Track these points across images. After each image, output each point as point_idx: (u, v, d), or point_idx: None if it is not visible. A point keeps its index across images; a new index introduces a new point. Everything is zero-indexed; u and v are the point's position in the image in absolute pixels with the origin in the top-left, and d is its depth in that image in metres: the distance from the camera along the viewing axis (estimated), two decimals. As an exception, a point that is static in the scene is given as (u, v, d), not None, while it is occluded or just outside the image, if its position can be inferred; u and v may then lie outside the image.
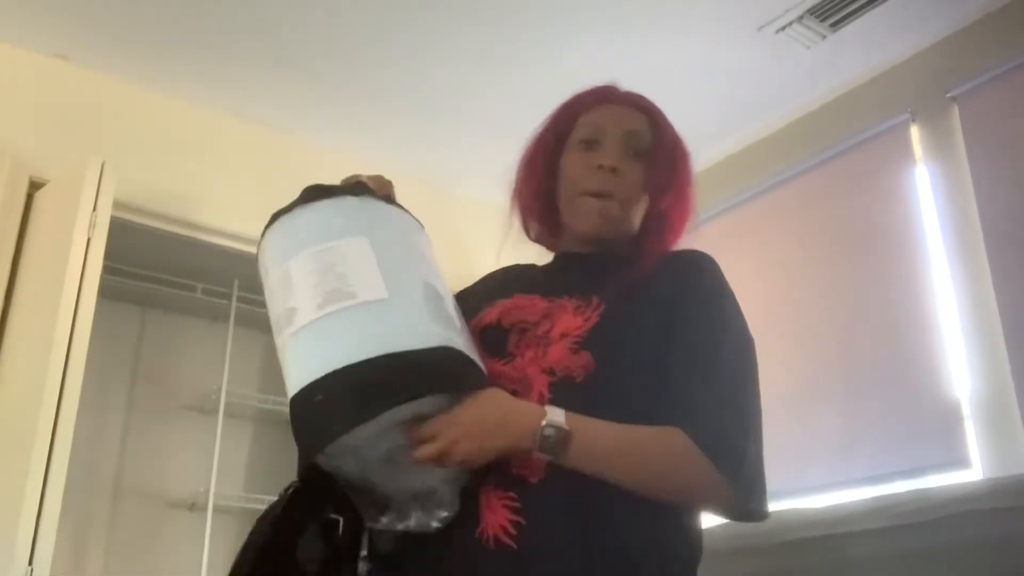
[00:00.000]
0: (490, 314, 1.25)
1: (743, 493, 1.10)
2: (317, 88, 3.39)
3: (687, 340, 1.16)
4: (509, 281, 1.35)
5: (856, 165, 3.26)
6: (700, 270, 1.24)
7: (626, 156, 1.27)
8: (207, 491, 3.54)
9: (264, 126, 3.58)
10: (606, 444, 1.09)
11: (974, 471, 2.68)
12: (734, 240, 3.56)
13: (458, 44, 3.12)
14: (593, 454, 1.08)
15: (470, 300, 1.28)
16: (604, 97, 1.35)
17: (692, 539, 1.17)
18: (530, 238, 1.41)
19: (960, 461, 2.73)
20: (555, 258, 1.39)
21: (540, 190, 1.35)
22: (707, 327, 1.18)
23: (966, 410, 2.77)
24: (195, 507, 3.65)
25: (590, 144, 1.29)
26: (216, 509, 3.56)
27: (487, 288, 1.36)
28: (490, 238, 4.36)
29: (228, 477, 3.72)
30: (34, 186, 2.93)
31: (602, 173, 1.25)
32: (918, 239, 3.01)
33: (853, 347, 3.11)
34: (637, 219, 1.29)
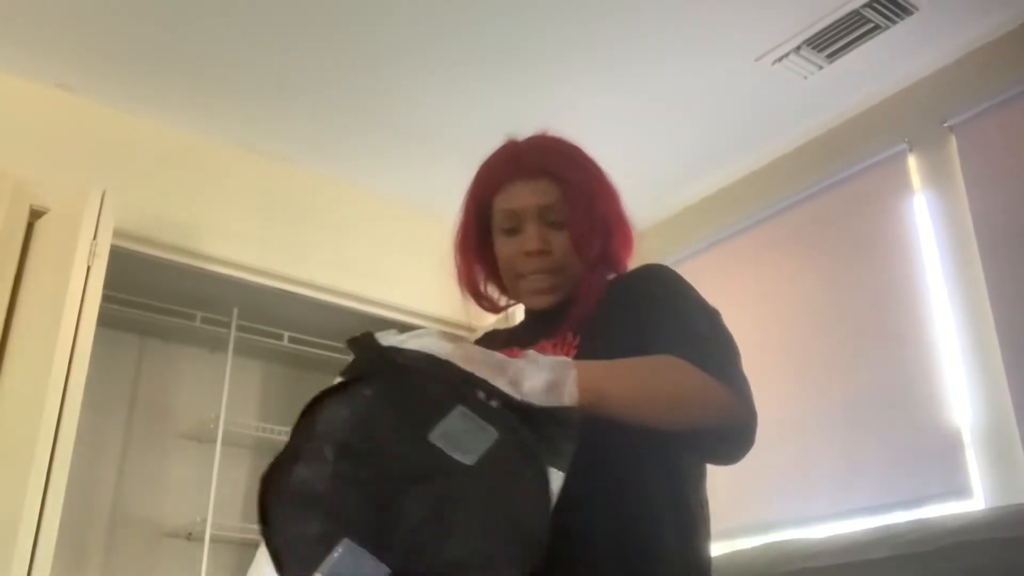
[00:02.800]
0: None
1: (746, 405, 1.14)
2: (315, 118, 3.40)
3: (657, 321, 1.23)
4: (492, 343, 1.42)
5: (854, 194, 3.27)
6: (651, 275, 1.32)
7: (548, 230, 1.34)
8: (204, 521, 3.52)
9: (263, 155, 3.60)
10: (604, 365, 1.10)
11: (975, 501, 2.67)
12: (731, 270, 3.56)
13: (452, 73, 3.14)
14: (597, 373, 1.07)
15: None
16: (510, 173, 1.39)
17: (697, 559, 1.20)
18: (488, 311, 1.48)
19: (961, 490, 2.72)
20: (525, 314, 1.47)
21: (482, 276, 1.44)
22: (673, 305, 1.25)
23: (967, 439, 2.76)
24: (192, 537, 3.62)
25: (512, 231, 1.36)
26: (213, 539, 3.53)
27: None
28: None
29: (225, 507, 3.69)
30: (35, 214, 2.94)
31: (531, 258, 1.34)
32: (917, 268, 3.02)
33: (853, 377, 3.10)
34: (579, 270, 1.36)
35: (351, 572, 0.84)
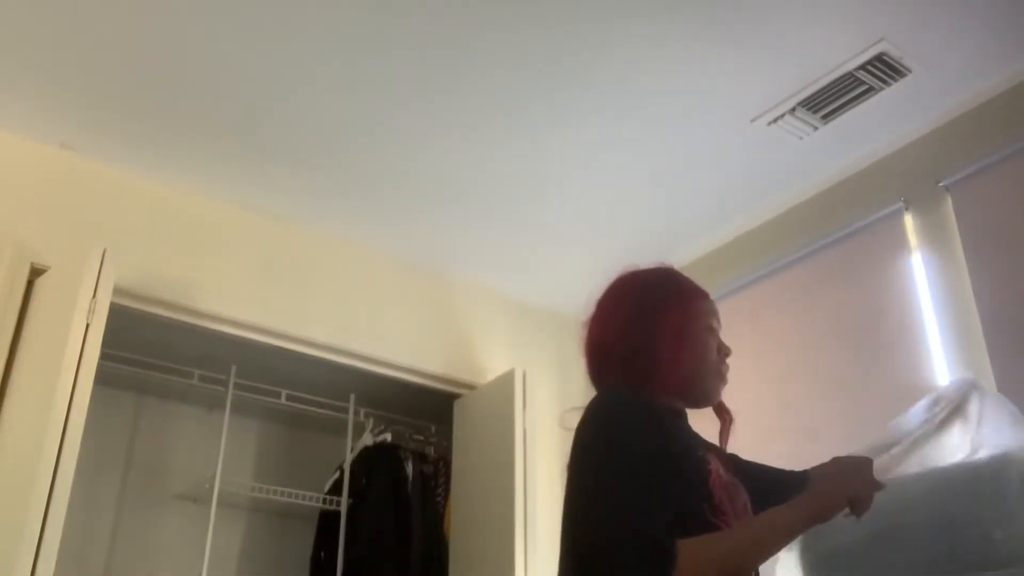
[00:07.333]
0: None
1: None
2: (315, 177, 3.43)
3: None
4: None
5: (851, 254, 3.28)
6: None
7: None
8: (199, 582, 3.47)
9: (263, 214, 3.61)
10: None
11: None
12: (727, 330, 3.54)
13: (450, 131, 3.16)
14: None
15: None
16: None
17: None
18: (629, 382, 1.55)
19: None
20: (675, 411, 1.60)
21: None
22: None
23: (969, 500, 2.73)
24: (186, 599, 3.57)
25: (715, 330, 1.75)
26: (207, 601, 3.48)
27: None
28: (486, 320, 4.30)
29: (221, 567, 3.65)
30: (35, 272, 2.95)
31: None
32: (916, 328, 3.02)
33: (853, 437, 3.07)
34: None
35: None
